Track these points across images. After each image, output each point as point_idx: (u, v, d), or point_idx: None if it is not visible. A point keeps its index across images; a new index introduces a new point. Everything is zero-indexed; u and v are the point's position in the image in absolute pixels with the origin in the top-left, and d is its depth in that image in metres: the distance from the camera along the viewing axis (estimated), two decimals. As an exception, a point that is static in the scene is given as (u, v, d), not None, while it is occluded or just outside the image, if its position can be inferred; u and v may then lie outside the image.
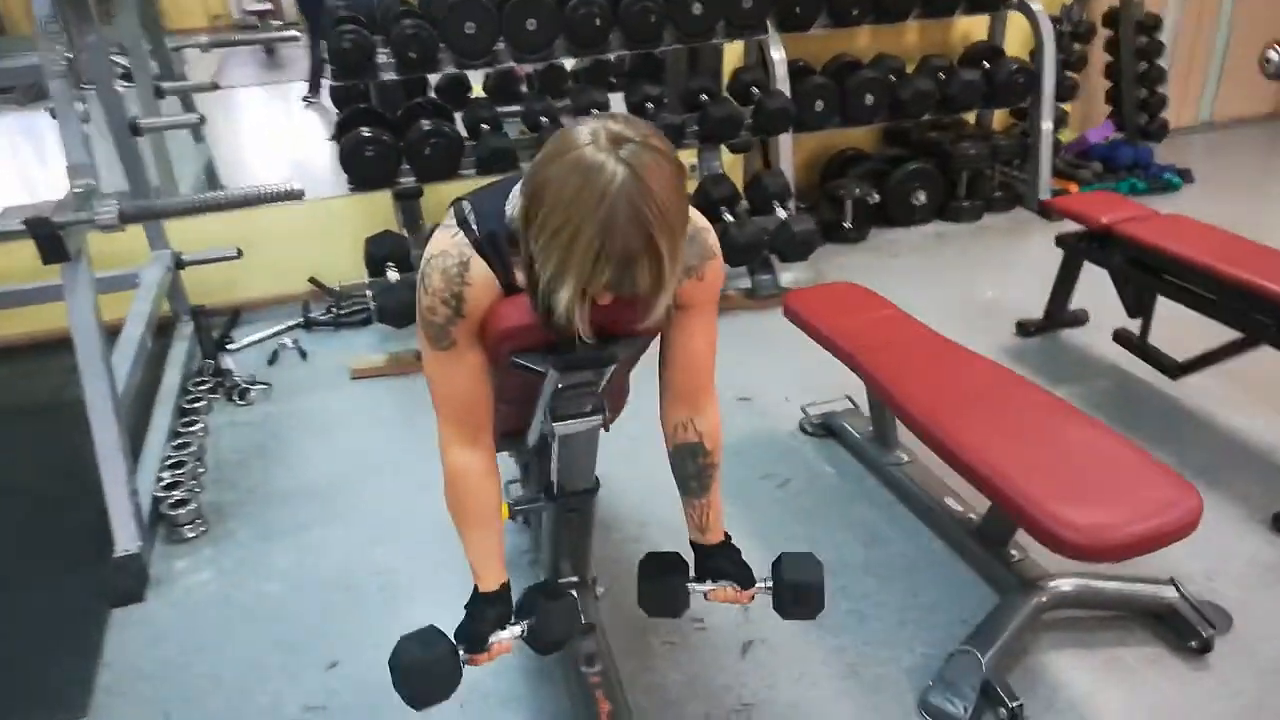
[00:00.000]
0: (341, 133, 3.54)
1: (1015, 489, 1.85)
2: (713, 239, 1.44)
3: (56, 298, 2.51)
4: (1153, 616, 2.12)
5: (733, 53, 4.33)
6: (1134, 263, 3.02)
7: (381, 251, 3.38)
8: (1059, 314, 3.47)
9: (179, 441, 2.95)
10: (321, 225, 4.06)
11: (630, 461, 2.31)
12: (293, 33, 5.20)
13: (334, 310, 3.94)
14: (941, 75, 4.44)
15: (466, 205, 1.37)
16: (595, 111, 3.72)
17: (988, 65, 4.56)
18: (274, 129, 6.47)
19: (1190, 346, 2.93)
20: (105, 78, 3.13)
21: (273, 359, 3.65)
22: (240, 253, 3.72)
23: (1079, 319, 3.51)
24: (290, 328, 3.87)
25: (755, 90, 3.97)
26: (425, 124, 3.50)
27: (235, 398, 3.33)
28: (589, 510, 1.82)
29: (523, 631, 1.54)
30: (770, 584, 1.63)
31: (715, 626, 2.17)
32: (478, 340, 1.39)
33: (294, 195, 2.47)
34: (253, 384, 3.39)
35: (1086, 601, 2.13)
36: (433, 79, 4.24)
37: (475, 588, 1.53)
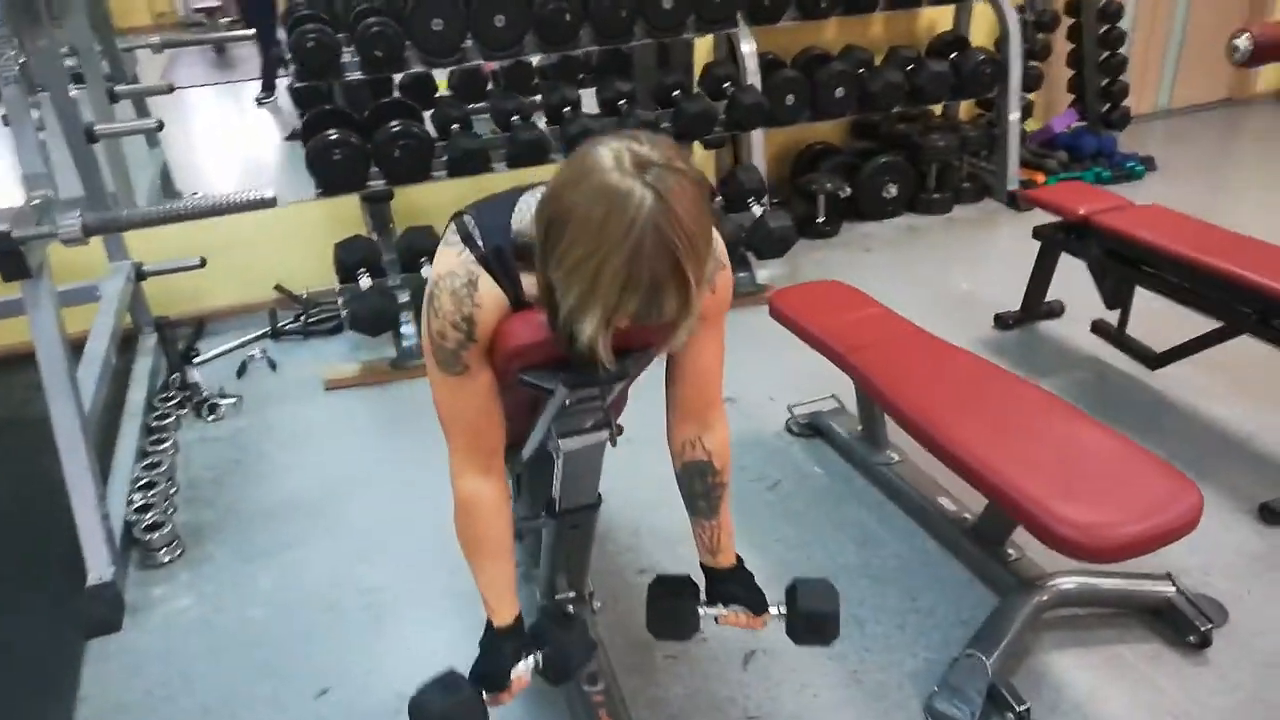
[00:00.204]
0: (308, 134, 3.43)
1: (1015, 488, 1.83)
2: (721, 247, 1.38)
3: (16, 312, 2.40)
4: (1150, 612, 2.12)
5: (702, 46, 4.28)
6: (1112, 254, 3.03)
7: (353, 258, 3.26)
8: (1036, 306, 3.48)
9: (149, 461, 2.84)
10: (285, 230, 3.92)
11: (622, 468, 2.24)
12: (248, 31, 5.05)
13: (302, 318, 3.84)
14: (910, 67, 4.43)
15: (469, 220, 1.31)
16: (568, 112, 3.68)
17: (955, 56, 4.56)
18: (227, 130, 6.29)
19: (1168, 337, 2.95)
20: (58, 83, 3.00)
21: (241, 371, 3.54)
22: (204, 262, 3.59)
23: (1056, 311, 3.52)
24: (258, 338, 3.77)
25: (728, 85, 3.93)
26: (394, 125, 3.40)
27: (205, 413, 3.22)
28: (590, 526, 1.77)
29: (537, 664, 1.48)
30: (784, 610, 1.59)
31: (716, 637, 2.13)
32: (487, 360, 1.34)
33: (267, 203, 2.38)
34: (222, 398, 3.28)
35: (1087, 599, 2.13)
36: (397, 78, 4.14)
37: (489, 622, 1.47)
